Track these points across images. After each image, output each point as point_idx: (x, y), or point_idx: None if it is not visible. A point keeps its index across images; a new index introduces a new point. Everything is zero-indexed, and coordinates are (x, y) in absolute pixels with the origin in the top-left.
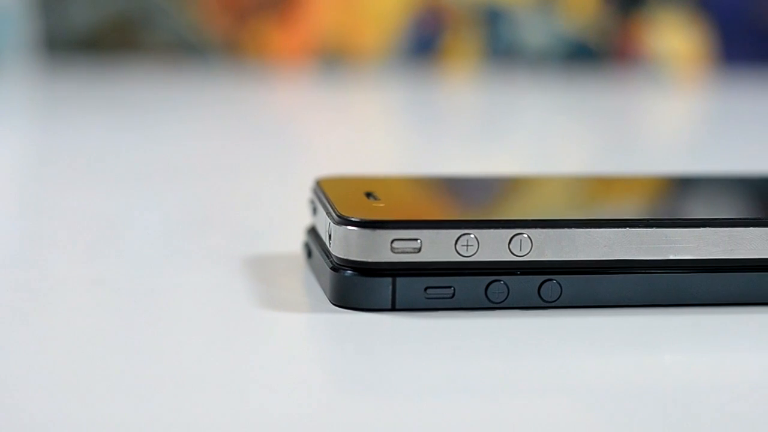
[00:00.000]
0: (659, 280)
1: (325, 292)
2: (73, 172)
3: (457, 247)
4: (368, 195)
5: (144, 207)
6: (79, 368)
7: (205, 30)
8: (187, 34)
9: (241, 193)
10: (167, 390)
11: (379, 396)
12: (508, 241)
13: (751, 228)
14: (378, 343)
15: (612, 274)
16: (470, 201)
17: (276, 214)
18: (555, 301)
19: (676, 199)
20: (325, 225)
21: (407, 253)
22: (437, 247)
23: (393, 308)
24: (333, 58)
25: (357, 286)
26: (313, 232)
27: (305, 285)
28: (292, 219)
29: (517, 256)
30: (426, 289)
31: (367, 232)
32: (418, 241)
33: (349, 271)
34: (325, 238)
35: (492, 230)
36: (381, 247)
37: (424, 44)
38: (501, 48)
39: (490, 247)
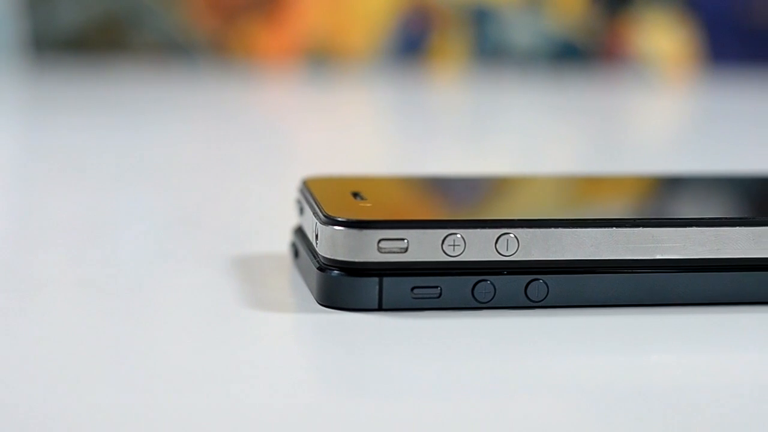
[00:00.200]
0: (646, 279)
1: (311, 292)
2: (60, 172)
3: (444, 247)
4: (355, 195)
5: (131, 207)
6: (66, 368)
7: (193, 30)
8: (175, 34)
9: (228, 193)
10: (154, 390)
11: (366, 396)
12: (494, 241)
13: (737, 228)
14: (365, 343)
15: (599, 274)
16: (457, 201)
17: (263, 214)
18: (542, 300)
19: (663, 199)
20: (311, 225)
21: (394, 253)
22: (424, 247)
23: (380, 308)
24: (320, 58)
25: (344, 286)
26: (300, 232)
27: (292, 285)
28: (279, 219)
29: (503, 255)
30: (413, 288)
31: (354, 232)
32: (405, 241)
33: (335, 271)
34: (311, 238)
35: (479, 230)
36: (368, 247)
37: (411, 44)
38: (488, 48)
39: (477, 246)
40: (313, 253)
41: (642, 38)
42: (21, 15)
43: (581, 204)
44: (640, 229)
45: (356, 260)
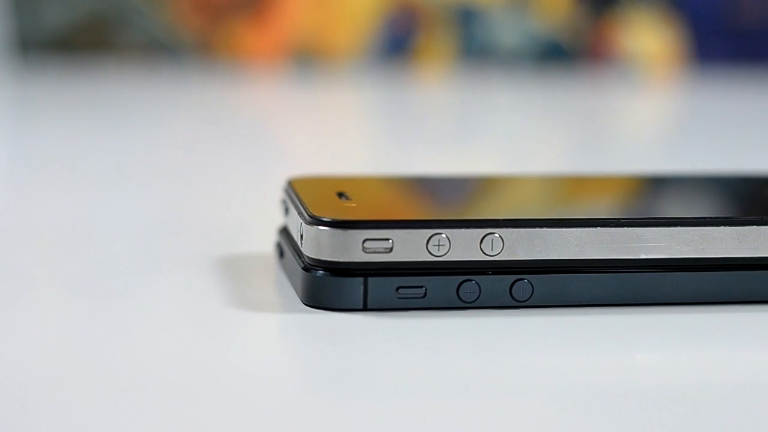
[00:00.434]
0: (630, 279)
1: (296, 292)
2: (46, 173)
3: (429, 246)
4: (340, 195)
5: (117, 208)
6: (49, 369)
7: (179, 30)
8: (161, 35)
9: (213, 193)
10: (138, 390)
11: (351, 395)
12: (479, 241)
13: (722, 227)
14: (350, 343)
15: (583, 274)
16: (442, 201)
17: (248, 215)
18: (526, 300)
19: (648, 199)
20: (296, 225)
21: (379, 253)
22: (409, 246)
23: (365, 308)
24: (306, 58)
25: (328, 286)
26: (285, 232)
27: (277, 285)
28: (264, 219)
29: (488, 255)
30: (397, 288)
31: (339, 232)
32: (390, 241)
33: (320, 271)
34: (296, 238)
35: (463, 230)
36: (352, 247)
37: (397, 44)
38: (474, 48)
39: (462, 246)
40: (298, 253)
41: (627, 38)
42: (6, 15)
43: (566, 204)
44: (625, 228)
45: (341, 260)
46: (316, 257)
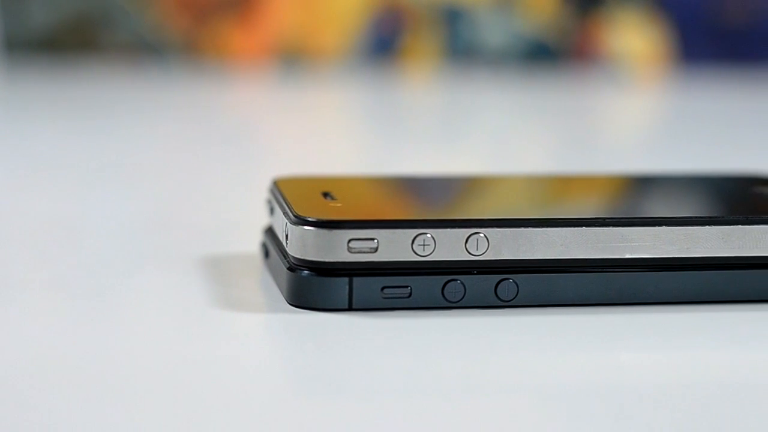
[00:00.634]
0: (615, 279)
1: (282, 292)
2: (30, 173)
3: (414, 246)
4: (325, 195)
5: (102, 208)
6: (34, 368)
7: (165, 30)
8: (147, 35)
9: (198, 193)
10: (123, 390)
11: (336, 395)
12: (464, 241)
13: (706, 227)
14: (335, 342)
15: (568, 273)
16: (427, 201)
17: (233, 215)
18: (512, 300)
19: (633, 199)
20: (282, 225)
21: (364, 252)
22: (394, 246)
23: (350, 308)
24: (293, 58)
25: (314, 286)
26: (270, 232)
27: (262, 285)
28: (249, 219)
29: (473, 255)
30: (383, 288)
31: (324, 232)
32: (375, 240)
33: (305, 271)
34: (282, 238)
35: (448, 230)
36: (337, 247)
37: (383, 44)
38: (460, 48)
39: (447, 246)
40: (284, 253)
41: (614, 38)
42: None
43: (551, 203)
44: (610, 228)
45: (326, 260)
46: (301, 257)
